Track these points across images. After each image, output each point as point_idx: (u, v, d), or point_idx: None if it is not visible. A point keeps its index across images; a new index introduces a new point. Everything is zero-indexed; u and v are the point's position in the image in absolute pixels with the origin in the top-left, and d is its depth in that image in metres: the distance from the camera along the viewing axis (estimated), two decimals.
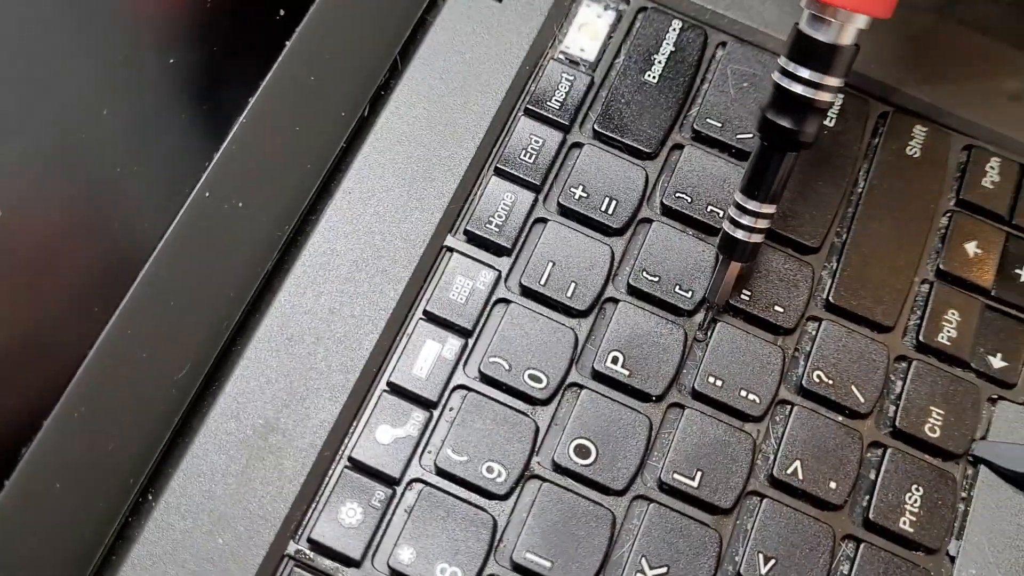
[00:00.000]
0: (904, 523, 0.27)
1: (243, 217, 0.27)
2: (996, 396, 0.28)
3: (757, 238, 0.27)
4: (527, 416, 0.27)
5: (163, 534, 0.25)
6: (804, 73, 0.24)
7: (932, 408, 0.28)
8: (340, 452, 0.26)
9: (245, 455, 0.25)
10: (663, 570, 0.25)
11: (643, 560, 0.25)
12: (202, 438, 0.26)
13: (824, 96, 0.25)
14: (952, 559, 0.27)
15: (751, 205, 0.26)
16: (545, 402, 0.27)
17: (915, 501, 0.27)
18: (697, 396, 0.27)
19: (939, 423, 0.28)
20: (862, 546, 0.26)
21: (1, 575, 0.23)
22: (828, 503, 0.27)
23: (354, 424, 0.26)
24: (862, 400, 0.28)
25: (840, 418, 0.28)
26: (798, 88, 0.24)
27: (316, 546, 0.25)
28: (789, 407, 0.28)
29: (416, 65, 0.30)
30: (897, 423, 0.28)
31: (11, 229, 0.22)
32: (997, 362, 0.29)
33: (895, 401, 0.28)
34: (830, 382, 0.28)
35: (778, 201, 0.26)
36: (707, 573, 0.25)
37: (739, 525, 0.26)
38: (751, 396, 0.27)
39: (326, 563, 0.25)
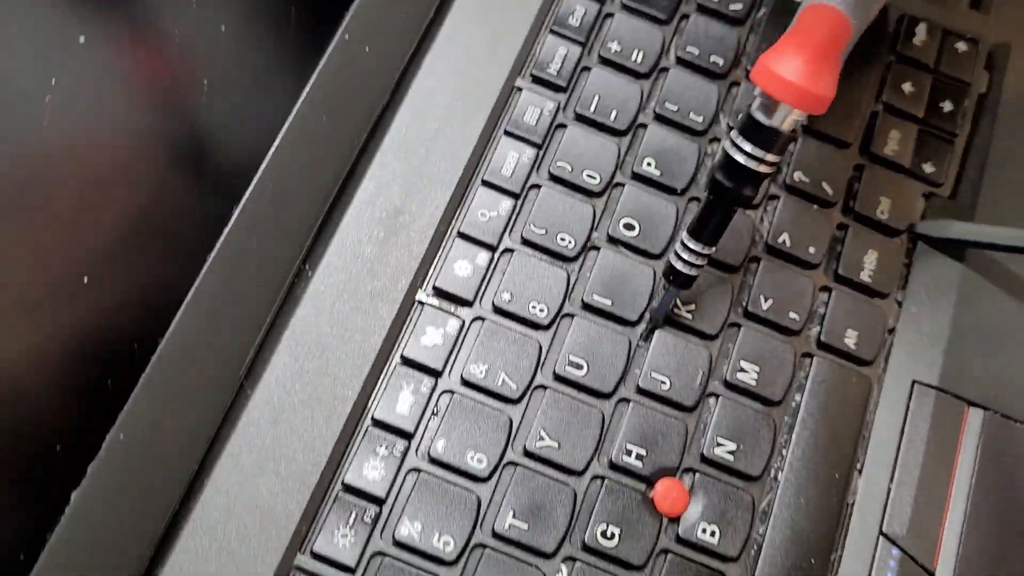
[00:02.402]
0: (864, 276, 0.36)
1: (368, 58, 0.35)
2: (928, 192, 0.38)
3: (696, 272, 0.32)
4: (587, 203, 0.36)
5: (330, 280, 0.33)
6: (748, 148, 0.29)
7: (881, 198, 0.38)
8: (451, 227, 0.35)
9: (382, 229, 0.34)
10: (666, 382, 0.34)
11: (653, 374, 0.34)
12: (348, 219, 0.34)
13: (764, 168, 0.29)
14: (899, 303, 0.36)
15: (694, 246, 0.32)
16: (599, 194, 0.36)
17: (872, 262, 0.37)
18: None
19: (887, 209, 0.37)
20: (834, 292, 0.36)
21: (198, 313, 0.31)
22: (808, 263, 0.36)
23: (459, 209, 0.35)
24: (831, 192, 0.37)
25: (815, 207, 0.37)
26: (742, 159, 0.29)
27: (439, 292, 0.34)
28: (776, 200, 0.37)
29: None
30: (856, 207, 0.37)
31: (187, 87, 0.31)
32: (928, 168, 0.38)
33: (854, 194, 0.38)
34: (807, 180, 0.37)
35: (717, 243, 0.32)
36: (703, 378, 0.35)
37: (724, 348, 0.36)
38: None
39: (447, 304, 0.34)
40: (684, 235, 0.32)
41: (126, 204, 0.29)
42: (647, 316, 0.34)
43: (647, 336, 0.34)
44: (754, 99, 0.29)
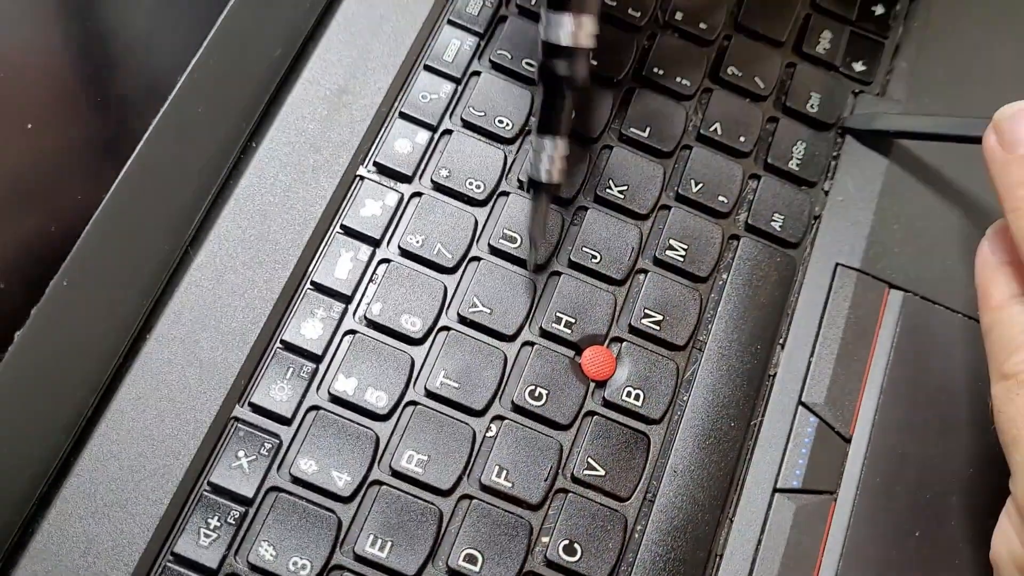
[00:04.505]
0: (792, 165, 0.38)
1: None
2: (858, 90, 0.40)
3: (557, 175, 0.32)
4: (525, 90, 0.37)
5: (274, 153, 0.34)
6: (567, 25, 0.27)
7: (812, 93, 0.39)
8: (393, 107, 0.36)
9: (326, 107, 0.35)
10: (597, 256, 0.36)
11: (584, 248, 0.36)
12: (293, 97, 0.35)
13: (585, 41, 0.28)
14: (826, 192, 0.38)
15: (547, 144, 0.31)
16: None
17: (800, 152, 0.38)
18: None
19: (816, 103, 0.39)
20: (763, 179, 0.37)
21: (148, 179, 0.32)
22: (739, 152, 0.38)
23: (402, 91, 0.36)
24: (762, 86, 0.39)
25: (747, 100, 0.39)
26: (564, 39, 0.28)
27: (379, 167, 0.35)
28: (709, 93, 0.38)
29: None
30: (787, 102, 0.39)
31: None
32: (859, 67, 0.40)
33: (785, 90, 0.39)
34: (740, 74, 0.39)
35: (568, 133, 0.31)
36: (632, 254, 0.36)
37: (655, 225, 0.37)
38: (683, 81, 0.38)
39: (387, 180, 0.35)
40: (534, 139, 0.31)
41: (71, 66, 0.30)
42: (528, 238, 0.33)
43: (536, 268, 0.34)
44: None
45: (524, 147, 0.36)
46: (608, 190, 0.36)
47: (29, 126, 0.28)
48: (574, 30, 0.28)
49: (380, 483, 0.31)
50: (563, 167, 0.32)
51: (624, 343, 0.34)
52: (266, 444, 0.31)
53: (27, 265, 0.29)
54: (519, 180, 0.35)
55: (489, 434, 0.32)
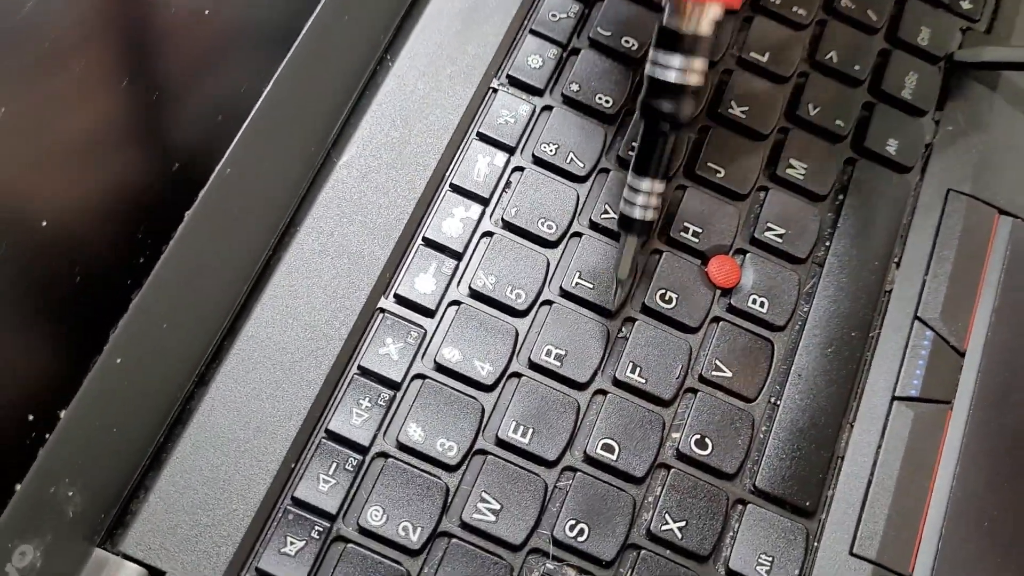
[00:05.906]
0: (905, 94, 0.39)
1: None
2: (965, 27, 0.41)
3: (652, 215, 0.31)
4: (651, 14, 0.38)
5: (412, 63, 0.36)
6: (666, 60, 0.27)
7: (922, 28, 0.40)
8: (524, 25, 0.37)
9: (461, 22, 0.36)
10: (721, 171, 0.37)
11: (709, 164, 0.37)
12: (429, 13, 0.36)
13: (693, 79, 0.27)
14: (936, 122, 0.39)
15: (644, 184, 0.30)
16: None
17: (912, 83, 0.39)
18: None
19: (927, 36, 0.40)
20: (877, 106, 0.38)
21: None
22: (854, 79, 0.39)
23: (532, 9, 0.37)
24: (875, 19, 0.40)
25: (861, 32, 0.40)
26: (671, 76, 0.27)
27: (512, 80, 0.36)
28: (823, 24, 0.39)
29: None
30: (899, 34, 0.40)
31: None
32: (966, 4, 0.41)
33: (897, 23, 0.40)
34: (853, 6, 0.40)
35: (667, 176, 0.30)
36: (755, 171, 0.37)
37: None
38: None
39: (520, 92, 0.36)
40: (630, 177, 0.31)
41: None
42: (615, 284, 0.33)
43: (618, 308, 0.33)
44: (664, 7, 0.27)
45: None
46: (730, 110, 0.37)
47: (206, 12, 0.30)
48: (684, 68, 0.27)
49: (519, 375, 0.32)
50: (658, 207, 0.31)
51: (748, 254, 0.35)
52: (412, 333, 0.32)
53: (196, 151, 0.30)
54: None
55: (621, 334, 0.33)
